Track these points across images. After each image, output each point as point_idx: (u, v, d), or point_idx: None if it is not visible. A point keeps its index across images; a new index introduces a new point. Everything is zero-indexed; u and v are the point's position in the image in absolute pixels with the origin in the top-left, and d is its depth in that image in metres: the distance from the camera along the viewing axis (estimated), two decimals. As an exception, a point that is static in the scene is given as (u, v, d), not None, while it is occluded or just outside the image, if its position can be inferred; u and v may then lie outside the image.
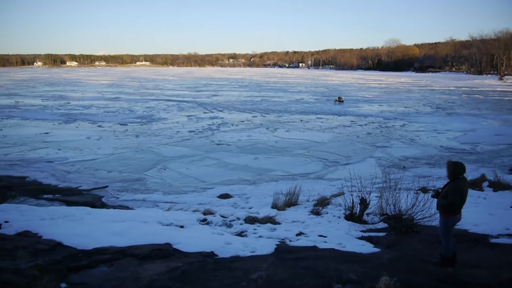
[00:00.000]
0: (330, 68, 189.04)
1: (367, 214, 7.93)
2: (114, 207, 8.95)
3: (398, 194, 7.27)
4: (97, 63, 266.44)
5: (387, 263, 5.32)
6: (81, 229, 6.29)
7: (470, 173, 11.85)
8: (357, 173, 8.67)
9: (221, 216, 7.94)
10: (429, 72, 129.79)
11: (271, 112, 28.85)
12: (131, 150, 15.92)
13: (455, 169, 5.07)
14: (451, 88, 58.81)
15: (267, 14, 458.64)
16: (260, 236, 6.78)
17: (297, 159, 14.70)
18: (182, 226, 7.10)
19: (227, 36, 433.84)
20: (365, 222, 7.63)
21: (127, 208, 9.02)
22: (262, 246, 6.04)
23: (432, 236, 6.35)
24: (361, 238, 6.72)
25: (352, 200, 7.78)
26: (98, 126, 22.11)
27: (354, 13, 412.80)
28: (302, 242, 6.47)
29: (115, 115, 26.96)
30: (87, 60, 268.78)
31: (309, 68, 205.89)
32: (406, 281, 4.43)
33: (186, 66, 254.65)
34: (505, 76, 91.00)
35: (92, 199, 9.60)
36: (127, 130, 20.82)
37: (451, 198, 4.95)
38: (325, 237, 6.77)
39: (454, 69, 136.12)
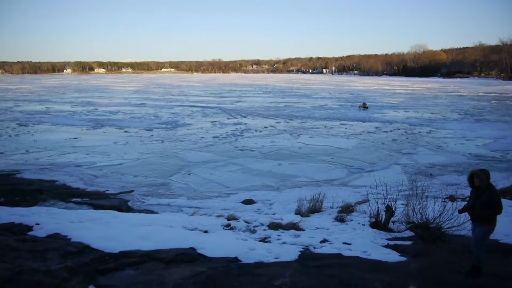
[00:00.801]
0: (354, 74, 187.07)
1: (393, 222, 7.78)
2: (140, 211, 9.11)
3: (425, 202, 7.11)
4: (124, 70, 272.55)
5: (414, 272, 5.20)
6: (108, 232, 6.41)
7: (501, 182, 11.49)
8: (382, 180, 8.54)
9: (245, 221, 7.95)
10: (456, 77, 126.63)
11: (294, 118, 28.79)
12: (156, 155, 16.18)
13: (487, 176, 4.96)
14: (480, 94, 57.15)
15: (290, 21, 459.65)
16: (284, 243, 6.75)
17: (321, 165, 14.59)
18: (206, 231, 7.14)
19: (250, 42, 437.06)
20: (390, 230, 7.48)
21: (152, 212, 9.16)
22: (286, 252, 6.01)
23: (461, 246, 6.17)
24: (387, 246, 6.60)
25: (378, 207, 7.66)
26: (125, 131, 22.59)
27: (378, 18, 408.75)
28: (327, 249, 6.41)
29: (141, 120, 27.49)
30: (114, 67, 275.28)
31: (333, 74, 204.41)
32: (434, 292, 4.32)
33: (210, 72, 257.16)
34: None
35: (118, 203, 9.79)
36: (152, 135, 21.18)
37: (497, 206, 4.83)
38: (350, 244, 6.68)
39: (483, 74, 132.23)
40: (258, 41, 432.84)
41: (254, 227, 7.71)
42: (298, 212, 8.87)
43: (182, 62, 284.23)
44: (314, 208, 9.09)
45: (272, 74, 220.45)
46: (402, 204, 8.28)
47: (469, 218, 5.21)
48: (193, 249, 5.85)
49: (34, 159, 15.45)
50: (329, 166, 14.49)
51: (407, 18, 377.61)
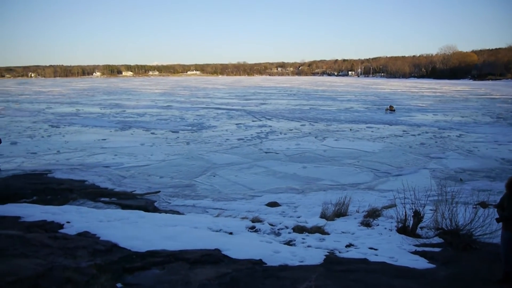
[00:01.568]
0: (380, 76, 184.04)
1: (421, 228, 7.60)
2: (166, 212, 9.24)
3: (455, 208, 6.91)
4: (150, 72, 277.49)
5: (443, 280, 5.07)
6: (135, 232, 6.53)
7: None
8: (410, 184, 8.34)
9: (269, 224, 7.95)
10: (488, 80, 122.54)
11: (319, 120, 28.59)
12: (182, 156, 16.38)
13: None
14: (514, 96, 55.23)
15: (316, 23, 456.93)
16: (308, 246, 6.71)
17: (347, 168, 14.42)
18: (231, 233, 7.18)
19: (275, 45, 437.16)
20: (418, 236, 7.32)
21: (178, 213, 9.27)
22: (310, 256, 5.97)
23: (493, 254, 5.96)
24: (415, 252, 6.45)
25: (405, 212, 7.50)
26: (151, 133, 22.99)
27: (406, 19, 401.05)
28: (352, 253, 6.33)
29: (167, 122, 27.91)
30: (141, 70, 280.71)
31: (358, 76, 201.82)
32: (464, 300, 4.20)
33: (235, 75, 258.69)
34: None
35: (145, 203, 9.96)
36: (178, 137, 21.47)
37: None
38: (376, 249, 6.58)
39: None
40: (283, 44, 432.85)
41: (278, 229, 7.70)
42: (323, 216, 8.79)
43: (208, 64, 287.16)
44: (340, 212, 8.99)
45: (297, 77, 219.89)
46: (431, 210, 8.07)
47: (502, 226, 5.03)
48: (218, 250, 5.88)
49: (65, 159, 15.93)
50: (354, 169, 14.30)
51: (436, 18, 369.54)
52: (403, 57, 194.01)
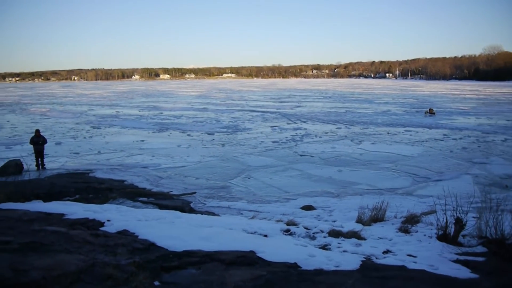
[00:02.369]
0: (419, 78, 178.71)
1: (463, 236, 7.29)
2: (202, 213, 9.35)
3: (500, 216, 6.58)
4: (187, 75, 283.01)
5: (488, 291, 4.85)
6: (172, 231, 6.65)
7: None
8: (451, 190, 8.04)
9: (304, 227, 7.88)
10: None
11: (356, 123, 28.13)
12: (217, 158, 16.58)
13: None
14: None
15: (352, 24, 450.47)
16: (344, 251, 6.59)
17: (384, 173, 14.09)
18: (265, 235, 7.16)
19: (311, 47, 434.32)
20: (460, 245, 7.02)
21: (213, 214, 9.36)
22: (346, 261, 5.86)
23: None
24: (456, 261, 6.19)
25: (446, 219, 7.22)
26: (188, 135, 23.41)
27: (446, 18, 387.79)
28: (390, 260, 6.16)
29: (203, 125, 28.33)
30: (178, 73, 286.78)
31: (396, 78, 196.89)
32: (511, 313, 3.99)
33: (270, 77, 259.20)
34: None
35: (181, 204, 10.14)
36: (214, 139, 21.74)
37: None
38: (415, 257, 6.36)
39: None
40: (318, 46, 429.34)
41: (313, 233, 7.62)
42: (359, 221, 8.62)
43: (243, 67, 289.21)
44: (377, 217, 8.79)
45: (332, 79, 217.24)
46: (474, 217, 7.74)
47: None
48: (253, 252, 5.89)
49: (105, 159, 16.50)
50: (392, 174, 13.96)
51: (479, 17, 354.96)
52: (444, 58, 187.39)
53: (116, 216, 7.45)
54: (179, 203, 10.18)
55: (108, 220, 7.01)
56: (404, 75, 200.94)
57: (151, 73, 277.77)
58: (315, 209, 10.04)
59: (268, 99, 57.14)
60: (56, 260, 4.40)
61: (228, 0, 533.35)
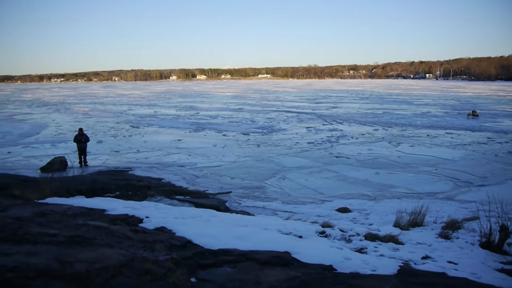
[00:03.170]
0: (462, 79, 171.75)
1: (508, 245, 6.96)
2: (237, 212, 9.43)
3: (550, 224, 6.25)
4: (223, 76, 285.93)
5: (536, 302, 4.60)
6: (208, 230, 6.75)
7: None
8: (495, 196, 7.70)
9: (340, 230, 7.78)
10: None
11: (393, 125, 27.44)
12: (252, 158, 16.66)
13: None
14: None
15: (390, 23, 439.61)
16: (381, 255, 6.45)
17: (423, 176, 13.67)
18: (300, 236, 7.13)
19: (347, 47, 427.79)
20: (505, 253, 6.70)
21: (248, 214, 9.42)
22: (383, 265, 5.74)
23: None
24: (501, 270, 5.92)
25: (490, 226, 6.91)
26: (223, 135, 23.66)
27: (491, 17, 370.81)
28: (429, 266, 5.97)
29: (238, 125, 28.54)
30: (214, 73, 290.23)
31: (437, 79, 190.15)
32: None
33: (305, 78, 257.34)
34: None
35: (217, 203, 10.27)
36: (249, 139, 21.86)
37: None
38: (456, 264, 6.14)
39: None
40: (355, 46, 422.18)
41: (349, 236, 7.51)
42: (397, 225, 8.41)
43: (278, 68, 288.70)
44: (415, 222, 8.54)
45: (369, 80, 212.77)
46: (520, 225, 7.37)
47: None
48: (287, 253, 5.87)
49: (144, 158, 16.97)
50: (432, 177, 13.52)
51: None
52: (489, 57, 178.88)
53: (154, 213, 7.65)
54: (214, 202, 10.31)
55: (147, 217, 7.21)
56: (446, 75, 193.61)
57: (188, 74, 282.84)
58: (351, 211, 9.89)
59: (303, 100, 56.79)
60: (99, 254, 4.57)
61: (264, 1, 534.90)
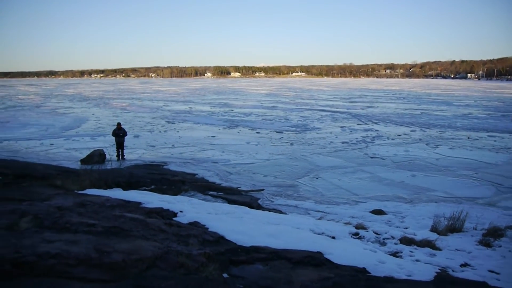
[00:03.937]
0: (507, 80, 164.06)
1: (556, 255, 6.60)
2: (269, 210, 9.42)
3: None
4: (257, 74, 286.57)
5: None
6: (240, 226, 6.77)
7: None
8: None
9: (374, 232, 7.62)
10: None
11: (432, 126, 26.57)
12: (285, 157, 16.59)
13: None
14: None
15: (429, 20, 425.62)
16: (417, 260, 6.26)
17: (463, 180, 13.16)
18: (333, 237, 7.04)
19: (384, 45, 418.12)
20: (552, 264, 6.36)
21: (280, 212, 9.39)
22: (419, 271, 5.57)
23: None
24: (547, 282, 5.62)
25: (536, 235, 6.58)
26: (257, 132, 23.70)
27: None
28: (468, 274, 5.74)
29: (272, 123, 28.52)
30: (248, 71, 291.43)
31: (479, 79, 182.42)
32: None
33: (340, 77, 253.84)
34: None
35: (250, 200, 10.30)
36: (282, 137, 21.79)
37: None
38: (498, 274, 5.87)
39: None
40: (392, 44, 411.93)
41: (384, 239, 7.34)
42: (434, 229, 8.14)
43: (313, 66, 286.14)
44: (454, 227, 8.23)
45: (407, 79, 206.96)
46: None
47: None
48: (320, 253, 5.81)
49: (178, 153, 17.27)
50: (472, 182, 12.98)
51: None
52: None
53: (188, 208, 7.76)
54: (247, 199, 10.35)
55: (181, 211, 7.33)
56: (489, 75, 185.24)
57: (223, 71, 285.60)
58: (385, 214, 9.67)
59: (338, 99, 56.01)
60: (135, 245, 4.68)
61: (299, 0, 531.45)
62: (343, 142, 20.11)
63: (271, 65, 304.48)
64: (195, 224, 6.67)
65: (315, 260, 5.56)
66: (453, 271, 5.87)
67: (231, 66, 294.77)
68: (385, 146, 19.08)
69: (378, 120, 29.97)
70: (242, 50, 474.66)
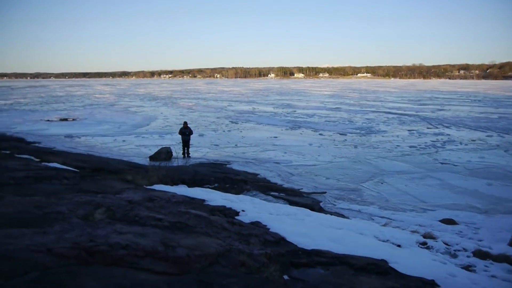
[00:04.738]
0: None
1: None
2: (331, 213, 9.24)
3: None
4: (321, 74, 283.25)
5: None
6: (301, 228, 6.71)
7: None
8: None
9: (444, 243, 7.18)
10: None
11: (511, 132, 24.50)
12: (349, 160, 16.19)
13: None
14: None
15: (508, 19, 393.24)
16: (492, 276, 5.80)
17: (548, 191, 11.97)
18: (399, 245, 6.73)
19: (457, 44, 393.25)
20: None
21: (343, 216, 9.17)
22: (496, 288, 5.16)
23: None
24: None
25: None
26: (319, 134, 23.39)
27: None
28: (553, 296, 5.21)
29: (335, 124, 27.99)
30: (312, 72, 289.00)
31: None
32: None
33: (409, 78, 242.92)
34: None
35: (311, 202, 10.17)
36: (346, 140, 21.30)
37: None
38: None
39: None
40: (466, 43, 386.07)
41: (455, 251, 6.89)
42: (513, 244, 7.50)
43: (379, 67, 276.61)
44: (537, 243, 7.52)
45: (483, 81, 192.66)
46: None
47: None
48: (384, 261, 5.58)
49: (241, 153, 17.53)
50: (560, 194, 11.77)
51: None
52: None
53: (250, 207, 7.84)
54: (309, 201, 10.23)
55: (243, 210, 7.42)
56: None
57: (286, 72, 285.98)
58: (457, 224, 9.07)
59: (406, 101, 53.58)
60: (198, 241, 4.81)
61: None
62: (410, 146, 19.19)
63: (335, 65, 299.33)
64: (256, 224, 6.71)
65: (379, 268, 5.35)
66: (536, 291, 5.36)
67: (294, 67, 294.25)
68: (457, 152, 17.90)
69: (450, 124, 28.22)
70: (306, 51, 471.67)
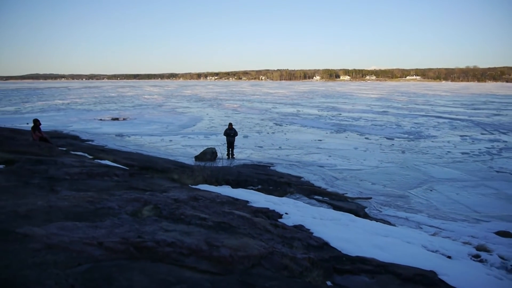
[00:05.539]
0: None
1: None
2: (376, 220, 8.99)
3: None
4: (367, 77, 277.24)
5: None
6: (346, 234, 6.57)
7: None
8: None
9: (499, 256, 6.76)
10: None
11: None
12: (396, 165, 15.68)
13: None
14: None
15: None
16: (554, 294, 5.39)
17: None
18: (449, 257, 6.41)
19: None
20: None
21: (388, 223, 8.89)
22: (558, 308, 4.78)
23: None
24: None
25: None
26: (365, 138, 22.86)
27: None
28: None
29: (382, 128, 27.25)
30: (358, 74, 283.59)
31: None
32: None
33: (461, 81, 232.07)
34: None
35: (356, 208, 9.94)
36: (393, 144, 20.67)
37: None
38: None
39: None
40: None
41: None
42: None
43: (430, 69, 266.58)
44: None
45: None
46: None
47: None
48: (433, 272, 5.34)
49: (285, 155, 17.48)
50: None
51: None
52: None
53: (293, 210, 7.79)
54: (353, 207, 10.00)
55: (286, 213, 7.38)
56: None
57: (332, 74, 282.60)
58: (514, 237, 8.51)
59: (458, 105, 51.15)
60: (242, 242, 4.83)
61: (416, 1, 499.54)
62: (463, 153, 18.28)
63: (382, 68, 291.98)
64: (299, 228, 6.65)
65: (427, 279, 5.12)
66: None
67: (340, 69, 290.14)
68: (515, 160, 16.85)
69: (507, 130, 26.60)
70: (353, 53, 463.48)
